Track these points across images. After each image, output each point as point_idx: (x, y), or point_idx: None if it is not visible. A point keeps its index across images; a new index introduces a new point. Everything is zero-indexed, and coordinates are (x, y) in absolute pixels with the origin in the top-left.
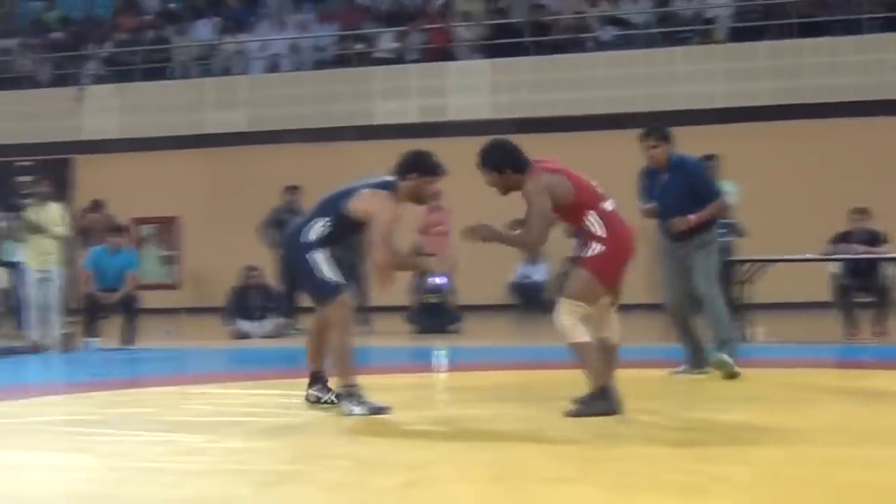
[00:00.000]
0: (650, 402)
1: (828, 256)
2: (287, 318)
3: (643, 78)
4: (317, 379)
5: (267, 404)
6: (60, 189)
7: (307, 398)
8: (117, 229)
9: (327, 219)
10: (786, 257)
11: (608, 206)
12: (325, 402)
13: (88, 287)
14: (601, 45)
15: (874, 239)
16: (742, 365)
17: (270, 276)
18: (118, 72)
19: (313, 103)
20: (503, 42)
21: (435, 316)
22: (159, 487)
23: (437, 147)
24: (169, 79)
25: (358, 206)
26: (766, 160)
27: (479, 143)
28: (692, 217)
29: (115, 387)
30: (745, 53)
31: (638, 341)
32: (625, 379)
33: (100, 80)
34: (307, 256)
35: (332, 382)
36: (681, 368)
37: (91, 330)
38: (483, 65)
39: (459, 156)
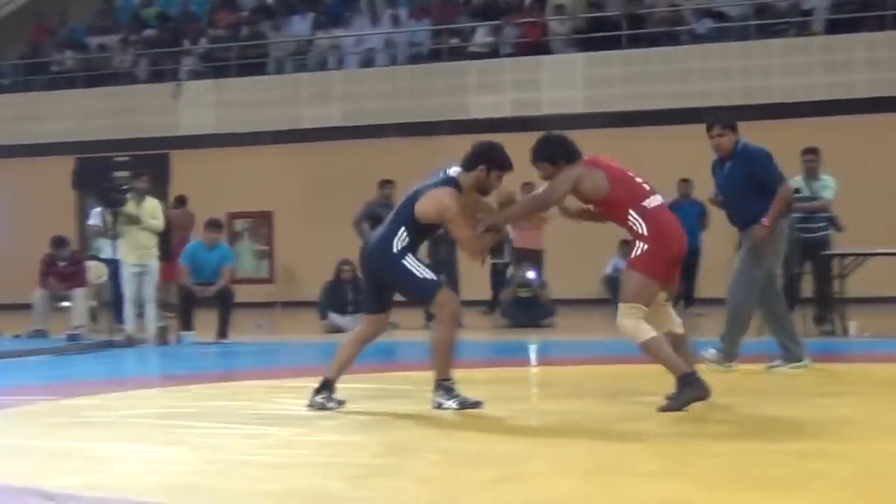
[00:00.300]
0: (747, 398)
1: None
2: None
3: (738, 71)
4: (326, 386)
5: (359, 398)
6: (157, 184)
7: (311, 405)
8: (214, 225)
9: (403, 227)
10: (884, 251)
11: (653, 202)
12: (329, 408)
13: (184, 281)
14: (696, 38)
15: None
16: (837, 360)
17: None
18: (214, 67)
19: (408, 98)
20: (597, 35)
21: (528, 310)
22: (252, 480)
23: (531, 141)
24: (264, 74)
25: (421, 208)
26: (864, 153)
27: (573, 137)
28: (765, 220)
29: (209, 380)
30: (843, 45)
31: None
32: (721, 373)
33: (196, 75)
34: (399, 264)
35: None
36: (776, 362)
37: (186, 323)
38: (577, 58)
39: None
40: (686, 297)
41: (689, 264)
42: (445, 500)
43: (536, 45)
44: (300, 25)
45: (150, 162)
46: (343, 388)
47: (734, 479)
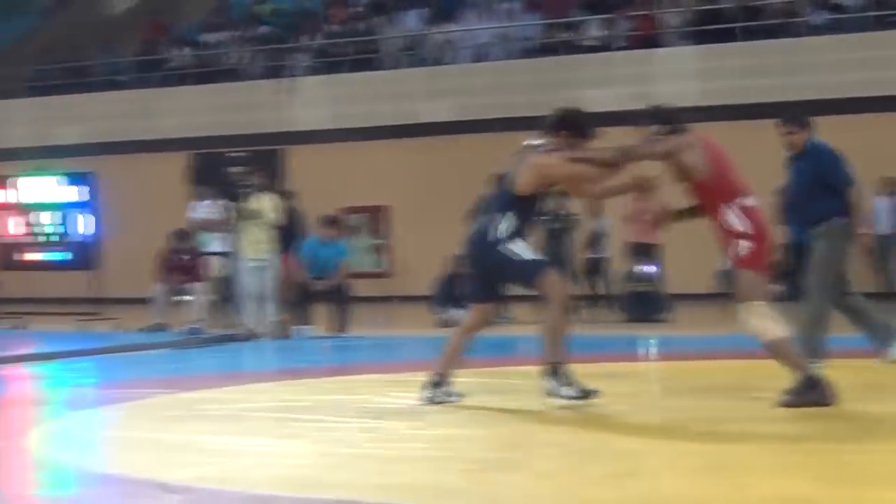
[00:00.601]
0: (861, 393)
1: None
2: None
3: (855, 63)
4: (440, 381)
5: (475, 392)
6: (272, 180)
7: (426, 399)
8: (331, 222)
9: (507, 212)
10: None
11: (750, 201)
12: (444, 402)
13: (301, 276)
14: (812, 30)
15: None
16: None
17: None
18: (328, 63)
19: (521, 92)
20: (711, 28)
21: (644, 304)
22: (367, 474)
23: (643, 135)
24: (378, 69)
25: (522, 180)
26: None
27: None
28: (862, 228)
29: (325, 374)
30: None
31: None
32: (836, 369)
33: (310, 71)
34: (502, 249)
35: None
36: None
37: (303, 318)
38: (690, 51)
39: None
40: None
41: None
42: (562, 494)
43: (649, 38)
44: (413, 20)
45: (264, 158)
46: (459, 381)
47: (854, 476)
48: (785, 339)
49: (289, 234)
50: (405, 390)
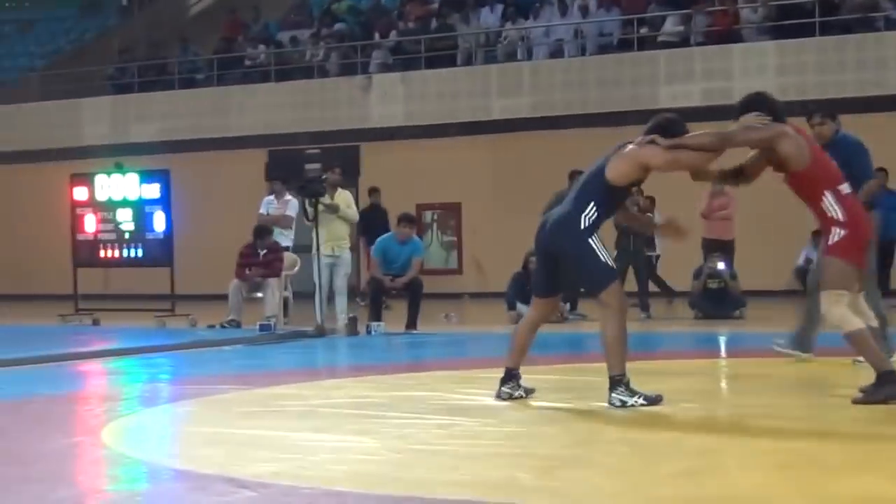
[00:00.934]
0: None
1: None
2: (566, 303)
3: None
4: (511, 376)
5: (547, 389)
6: (347, 177)
7: (499, 395)
8: (408, 220)
9: (592, 202)
10: None
11: (847, 188)
12: (517, 398)
13: (375, 273)
14: (892, 24)
15: None
16: None
17: None
18: (404, 60)
19: (596, 88)
20: (789, 23)
21: (718, 301)
22: (440, 470)
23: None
24: (453, 66)
25: (618, 169)
26: None
27: None
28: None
29: (398, 370)
30: None
31: None
32: None
33: (386, 68)
34: (585, 242)
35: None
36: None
37: (376, 314)
38: (769, 46)
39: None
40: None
41: (887, 254)
42: (633, 491)
43: (727, 34)
44: (490, 17)
45: (341, 154)
46: (531, 379)
47: None
48: (864, 331)
49: (373, 229)
50: (476, 387)
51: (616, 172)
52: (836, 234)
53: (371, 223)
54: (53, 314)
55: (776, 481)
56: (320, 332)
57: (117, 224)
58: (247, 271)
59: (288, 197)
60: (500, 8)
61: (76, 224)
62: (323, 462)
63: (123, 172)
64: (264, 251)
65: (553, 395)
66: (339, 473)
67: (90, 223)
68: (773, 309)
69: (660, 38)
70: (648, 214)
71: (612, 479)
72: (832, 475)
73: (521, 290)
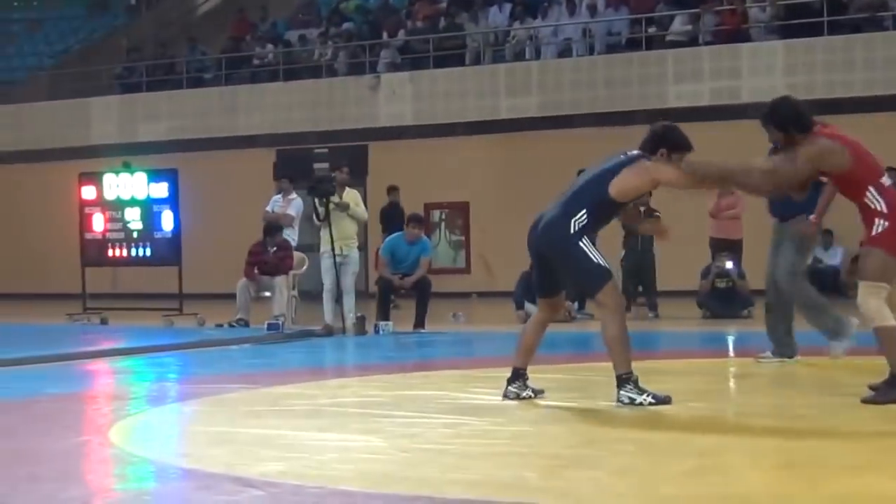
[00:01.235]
0: None
1: None
2: (574, 302)
3: None
4: (518, 375)
5: (554, 388)
6: (356, 176)
7: (506, 395)
8: (417, 221)
9: (584, 210)
10: None
11: (886, 180)
12: (524, 398)
13: (383, 272)
14: None
15: None
16: None
17: None
18: (412, 59)
19: (605, 87)
20: (798, 22)
21: (726, 301)
22: (448, 470)
23: (730, 130)
24: (462, 65)
25: (627, 185)
26: None
27: None
28: (813, 217)
29: (406, 370)
30: None
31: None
32: None
33: (394, 68)
34: (575, 246)
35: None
36: (765, 354)
37: (384, 313)
38: (777, 46)
39: (754, 138)
40: None
41: None
42: (640, 491)
43: (735, 33)
44: (498, 16)
45: (349, 154)
46: (538, 378)
47: None
48: (895, 329)
49: (392, 227)
50: (484, 386)
51: (622, 190)
52: (880, 225)
53: (390, 221)
54: (61, 313)
55: (783, 480)
56: (328, 332)
57: (125, 223)
58: (255, 270)
59: (293, 196)
60: (508, 7)
61: (84, 223)
62: (330, 461)
63: (131, 172)
64: (274, 248)
65: (560, 395)
66: (346, 472)
67: (98, 222)
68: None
69: (668, 38)
70: (657, 214)
71: (620, 479)
72: (839, 474)
73: (528, 289)
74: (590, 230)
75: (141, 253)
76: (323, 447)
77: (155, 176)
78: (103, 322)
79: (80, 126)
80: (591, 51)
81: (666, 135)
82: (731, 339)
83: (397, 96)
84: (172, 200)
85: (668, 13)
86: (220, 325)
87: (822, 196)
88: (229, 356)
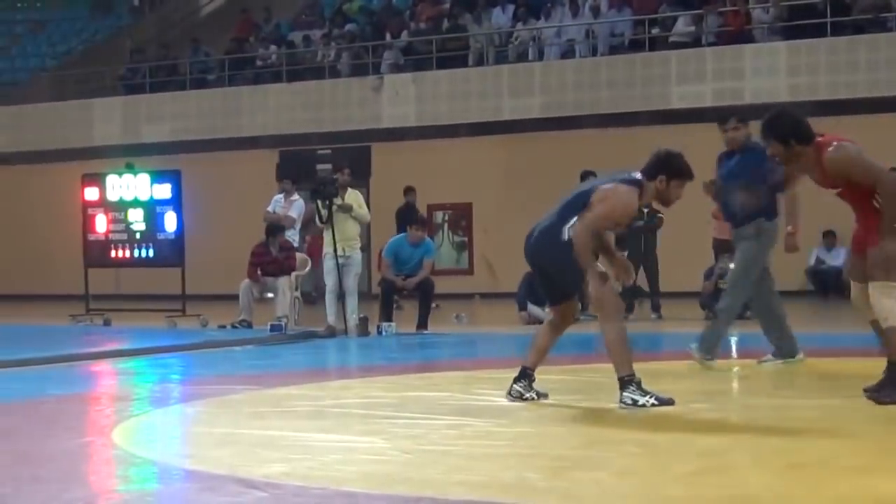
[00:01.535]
0: None
1: None
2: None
3: None
4: (525, 374)
5: (557, 390)
6: (359, 177)
7: (510, 393)
8: (421, 223)
9: (574, 218)
10: None
11: None
12: (527, 399)
13: (386, 273)
14: None
15: None
16: None
17: None
18: (415, 60)
19: (608, 88)
20: (801, 23)
21: None
22: (451, 471)
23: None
24: (465, 67)
25: (598, 196)
26: None
27: None
28: (790, 228)
29: (409, 371)
30: None
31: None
32: None
33: (397, 69)
34: (568, 253)
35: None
36: (766, 357)
37: (386, 315)
38: (780, 47)
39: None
40: None
41: None
42: (644, 492)
43: (738, 34)
44: (501, 17)
45: (352, 155)
46: (543, 379)
47: None
48: None
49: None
50: (487, 387)
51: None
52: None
53: (406, 222)
54: (64, 314)
55: (787, 481)
56: (331, 333)
57: (128, 224)
58: (258, 271)
59: (295, 197)
60: (511, 8)
61: (87, 224)
62: (333, 462)
63: (134, 173)
64: (278, 249)
65: (563, 396)
66: (349, 474)
67: (101, 223)
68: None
69: (671, 39)
70: (660, 216)
71: (623, 480)
72: (843, 475)
73: (531, 290)
74: None
75: (144, 254)
76: (326, 448)
77: (158, 177)
78: (106, 323)
79: (83, 127)
80: (594, 52)
81: (668, 161)
82: (733, 341)
83: (400, 97)
84: (175, 201)
85: (672, 14)
86: (224, 327)
87: (790, 204)
88: (232, 357)
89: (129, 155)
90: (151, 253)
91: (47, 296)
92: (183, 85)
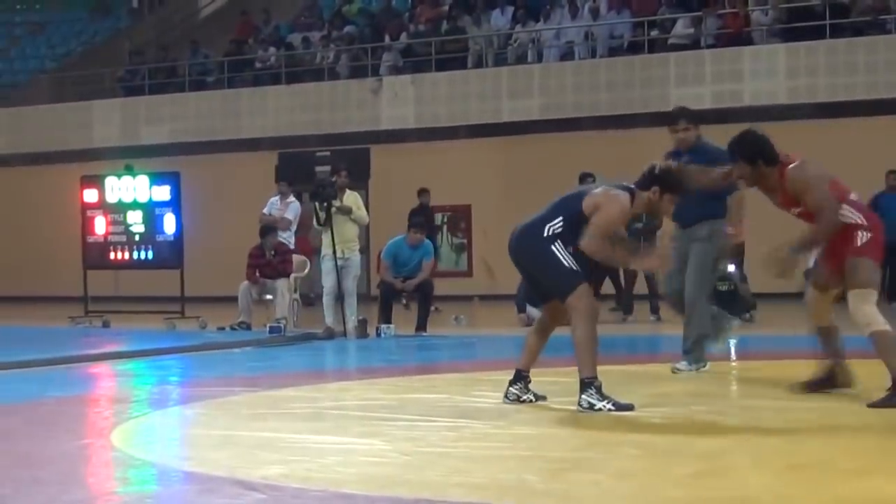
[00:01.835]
0: None
1: None
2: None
3: None
4: (520, 377)
5: (556, 392)
6: (358, 179)
7: (507, 396)
8: (420, 225)
9: (559, 218)
10: None
11: (854, 196)
12: (525, 402)
13: (385, 275)
14: None
15: None
16: None
17: None
18: (414, 62)
19: (607, 91)
20: (800, 25)
21: (727, 304)
22: (450, 473)
23: (731, 133)
24: (464, 69)
25: (589, 202)
26: None
27: (775, 128)
28: (730, 229)
29: (408, 373)
30: None
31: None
32: None
33: (396, 71)
34: (547, 249)
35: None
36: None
37: (385, 317)
38: (779, 49)
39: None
40: (890, 292)
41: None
42: (643, 494)
43: (738, 36)
44: (500, 19)
45: (351, 157)
46: (541, 381)
47: None
48: (890, 333)
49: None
50: (486, 389)
51: (588, 203)
52: (863, 236)
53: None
54: (63, 316)
55: (787, 483)
56: (329, 335)
57: (127, 226)
58: (257, 274)
59: (291, 199)
60: (510, 10)
61: (86, 226)
62: (332, 464)
63: (134, 174)
64: (272, 252)
65: (562, 398)
66: (348, 476)
67: (100, 225)
68: (782, 312)
69: (670, 41)
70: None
71: (622, 482)
72: (843, 477)
73: (530, 292)
74: (565, 240)
75: (143, 256)
76: (325, 450)
77: (157, 179)
78: (105, 325)
79: (82, 129)
80: (593, 54)
81: (664, 176)
82: (732, 343)
83: (399, 99)
84: (174, 203)
85: (671, 16)
86: (222, 328)
87: (735, 206)
88: (231, 359)
89: (128, 157)
90: (150, 255)
91: (46, 297)
92: (182, 87)
